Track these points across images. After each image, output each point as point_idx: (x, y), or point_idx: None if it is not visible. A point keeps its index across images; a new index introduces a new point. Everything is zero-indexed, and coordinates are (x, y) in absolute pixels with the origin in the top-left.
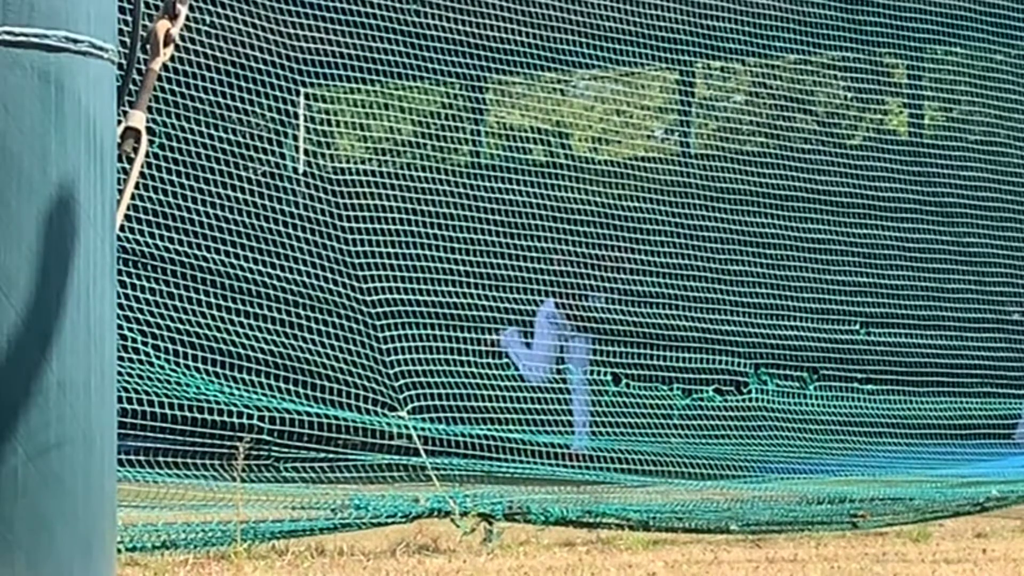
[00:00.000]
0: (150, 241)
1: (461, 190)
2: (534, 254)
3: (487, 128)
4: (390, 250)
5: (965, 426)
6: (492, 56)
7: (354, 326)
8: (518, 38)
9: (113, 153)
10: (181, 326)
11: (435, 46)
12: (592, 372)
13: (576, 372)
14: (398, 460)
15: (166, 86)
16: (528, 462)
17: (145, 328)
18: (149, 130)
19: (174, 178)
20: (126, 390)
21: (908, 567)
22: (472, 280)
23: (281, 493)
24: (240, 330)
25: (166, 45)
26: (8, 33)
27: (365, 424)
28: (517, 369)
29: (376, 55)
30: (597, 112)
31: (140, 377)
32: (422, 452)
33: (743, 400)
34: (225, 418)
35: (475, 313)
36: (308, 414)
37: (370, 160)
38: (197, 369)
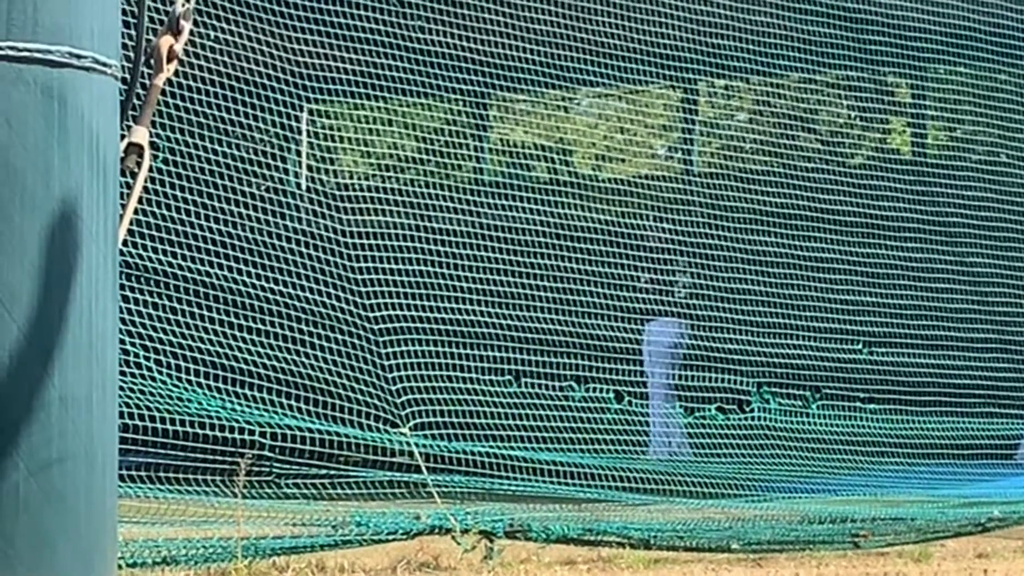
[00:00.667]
0: (153, 256)
1: (464, 207)
2: (536, 271)
3: (490, 145)
4: (393, 266)
5: (967, 446)
6: (496, 73)
7: (356, 342)
8: (522, 55)
9: (116, 168)
10: (183, 341)
11: (439, 63)
12: (595, 389)
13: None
14: (399, 477)
15: (170, 102)
16: (529, 480)
17: (147, 343)
18: (152, 145)
19: (177, 193)
20: (128, 405)
21: None
22: (474, 297)
23: (282, 509)
24: (242, 346)
25: (170, 61)
26: (12, 48)
27: (367, 441)
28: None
29: (380, 71)
30: (600, 130)
31: (142, 392)
32: (423, 469)
33: (745, 419)
34: (227, 434)
35: (477, 330)
36: (310, 430)
37: (373, 176)
38: (199, 384)
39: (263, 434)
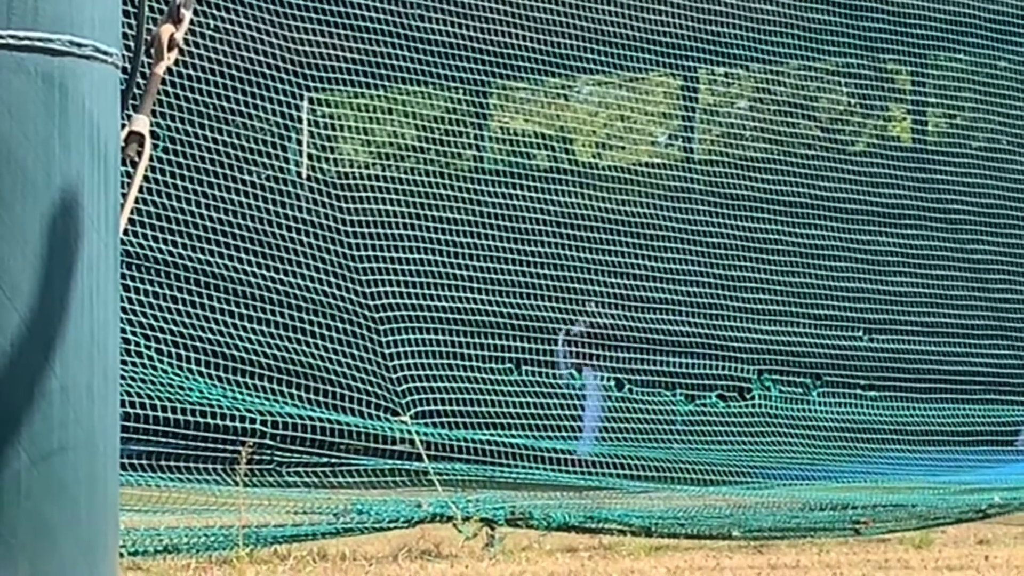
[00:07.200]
0: (154, 245)
1: (464, 195)
2: (536, 259)
3: (490, 133)
4: (393, 255)
5: (968, 433)
6: (496, 61)
7: (357, 331)
8: (522, 43)
9: (117, 157)
10: (184, 330)
11: (439, 51)
12: (600, 378)
13: (590, 378)
14: (401, 465)
15: (170, 90)
16: (530, 467)
17: (149, 332)
18: (153, 134)
19: (178, 182)
20: (129, 394)
21: (911, 573)
22: (475, 285)
23: (283, 497)
24: (243, 335)
25: (170, 50)
26: (12, 37)
27: (368, 429)
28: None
29: (380, 60)
30: (601, 118)
31: (143, 381)
32: (424, 457)
33: (746, 406)
34: (228, 422)
35: (478, 318)
36: (311, 419)
37: (374, 165)
38: (200, 373)
39: (264, 422)
